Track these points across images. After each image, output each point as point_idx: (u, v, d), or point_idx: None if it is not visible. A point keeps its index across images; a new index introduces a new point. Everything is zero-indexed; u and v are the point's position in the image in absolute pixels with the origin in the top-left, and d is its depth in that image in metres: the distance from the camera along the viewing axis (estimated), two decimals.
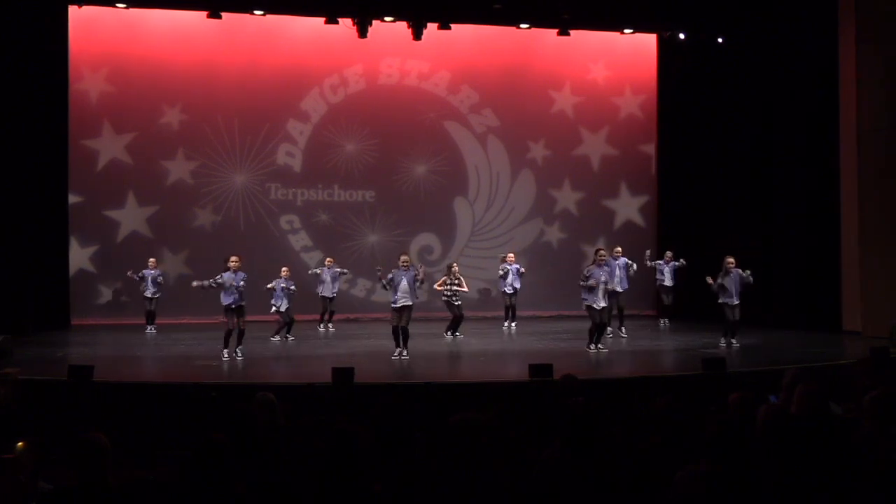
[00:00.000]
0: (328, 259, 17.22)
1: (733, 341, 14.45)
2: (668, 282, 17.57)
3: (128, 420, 8.77)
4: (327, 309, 17.05)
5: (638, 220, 20.67)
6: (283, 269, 16.07)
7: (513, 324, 17.07)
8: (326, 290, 16.86)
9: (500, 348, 14.59)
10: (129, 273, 16.89)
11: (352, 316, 18.19)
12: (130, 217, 18.50)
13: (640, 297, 18.89)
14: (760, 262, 18.39)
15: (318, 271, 16.97)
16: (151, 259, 17.18)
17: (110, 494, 4.66)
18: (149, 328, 16.79)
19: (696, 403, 6.73)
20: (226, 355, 13.03)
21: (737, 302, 14.36)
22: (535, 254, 19.91)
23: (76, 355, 13.23)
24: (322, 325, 17.07)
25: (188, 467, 4.53)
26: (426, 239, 19.70)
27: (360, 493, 4.46)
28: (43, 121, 17.01)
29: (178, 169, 18.75)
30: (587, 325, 17.26)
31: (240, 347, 13.22)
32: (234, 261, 13.30)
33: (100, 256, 18.33)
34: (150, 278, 16.85)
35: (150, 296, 16.90)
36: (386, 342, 14.71)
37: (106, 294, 18.38)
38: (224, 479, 4.50)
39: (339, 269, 17.03)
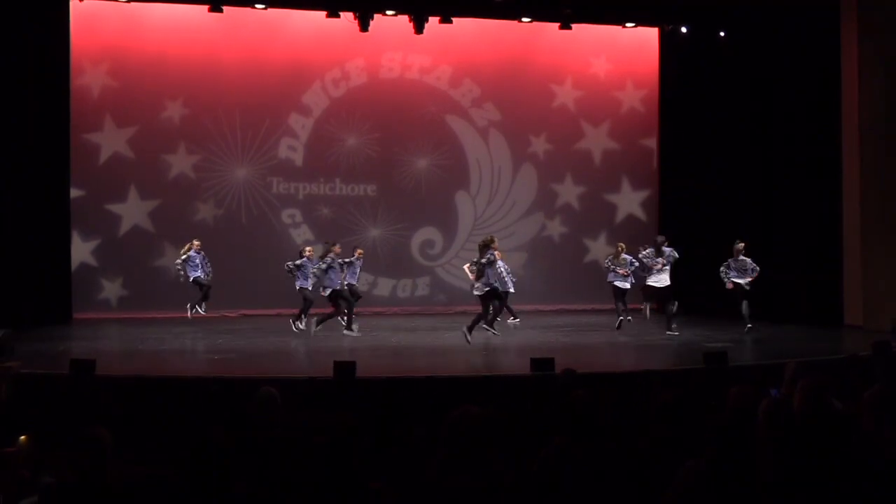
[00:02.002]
0: (358, 251, 16.82)
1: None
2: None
3: (130, 414, 8.73)
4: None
5: (639, 214, 20.63)
6: (308, 248, 15.90)
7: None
8: (352, 279, 16.54)
9: (502, 342, 14.56)
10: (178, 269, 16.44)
11: (354, 310, 18.12)
12: (132, 211, 18.44)
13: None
14: (761, 256, 18.41)
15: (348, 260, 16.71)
16: (196, 241, 16.57)
17: (112, 489, 4.66)
18: (196, 309, 16.31)
19: (698, 397, 6.70)
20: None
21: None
22: (537, 248, 19.90)
23: (78, 349, 13.22)
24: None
25: (189, 462, 4.51)
26: (428, 233, 19.66)
27: (359, 489, 4.46)
28: (44, 115, 16.94)
29: (180, 163, 18.70)
30: (588, 318, 17.37)
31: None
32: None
33: (101, 250, 18.30)
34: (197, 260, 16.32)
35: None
36: (388, 336, 14.83)
37: (109, 288, 18.34)
38: (224, 474, 4.48)
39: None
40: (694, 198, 19.23)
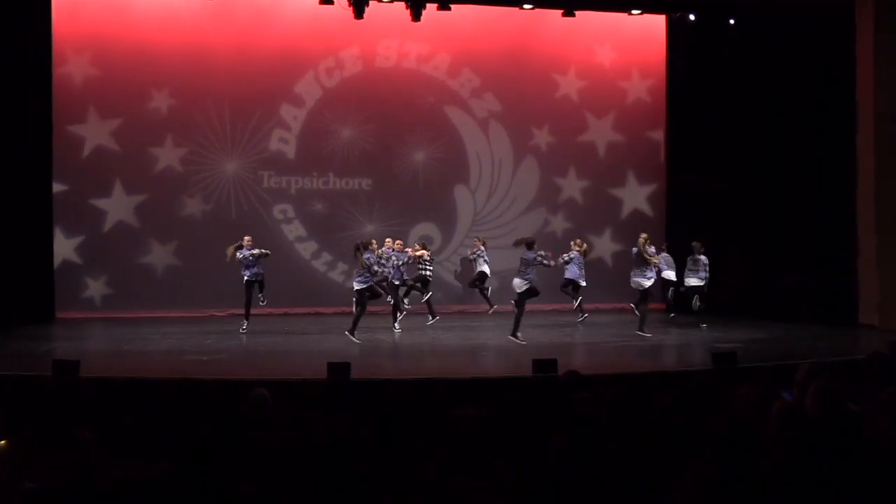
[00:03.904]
0: (398, 242, 16.38)
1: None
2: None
3: (115, 417, 8.55)
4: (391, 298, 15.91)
5: (646, 209, 20.25)
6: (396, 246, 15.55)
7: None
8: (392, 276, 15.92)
9: (502, 342, 14.23)
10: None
11: (347, 309, 17.65)
12: (117, 206, 17.97)
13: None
14: (772, 253, 18.15)
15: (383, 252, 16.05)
16: (247, 237, 15.54)
17: (97, 494, 4.66)
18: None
19: (704, 399, 6.64)
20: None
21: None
22: (539, 244, 19.39)
23: (61, 350, 12.95)
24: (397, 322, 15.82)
25: (179, 465, 4.52)
26: (425, 228, 19.22)
27: (356, 491, 4.46)
28: (26, 106, 16.59)
29: (167, 156, 18.22)
30: (592, 317, 16.98)
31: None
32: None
33: (85, 247, 17.82)
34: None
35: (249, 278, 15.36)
36: (383, 336, 14.73)
37: (93, 286, 17.82)
38: (216, 477, 4.48)
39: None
40: (703, 192, 18.89)
